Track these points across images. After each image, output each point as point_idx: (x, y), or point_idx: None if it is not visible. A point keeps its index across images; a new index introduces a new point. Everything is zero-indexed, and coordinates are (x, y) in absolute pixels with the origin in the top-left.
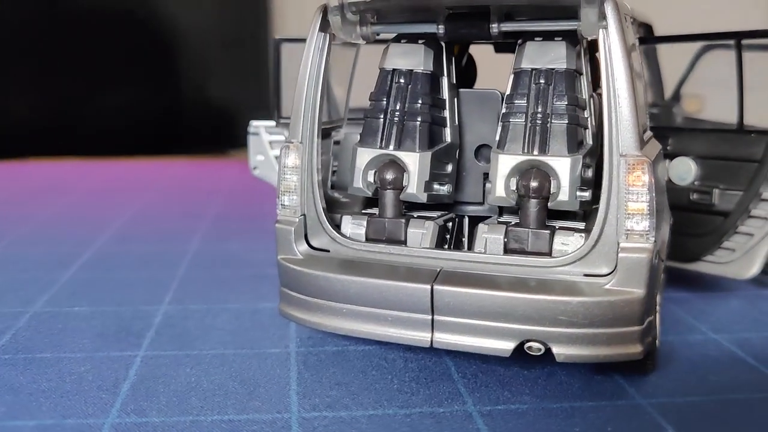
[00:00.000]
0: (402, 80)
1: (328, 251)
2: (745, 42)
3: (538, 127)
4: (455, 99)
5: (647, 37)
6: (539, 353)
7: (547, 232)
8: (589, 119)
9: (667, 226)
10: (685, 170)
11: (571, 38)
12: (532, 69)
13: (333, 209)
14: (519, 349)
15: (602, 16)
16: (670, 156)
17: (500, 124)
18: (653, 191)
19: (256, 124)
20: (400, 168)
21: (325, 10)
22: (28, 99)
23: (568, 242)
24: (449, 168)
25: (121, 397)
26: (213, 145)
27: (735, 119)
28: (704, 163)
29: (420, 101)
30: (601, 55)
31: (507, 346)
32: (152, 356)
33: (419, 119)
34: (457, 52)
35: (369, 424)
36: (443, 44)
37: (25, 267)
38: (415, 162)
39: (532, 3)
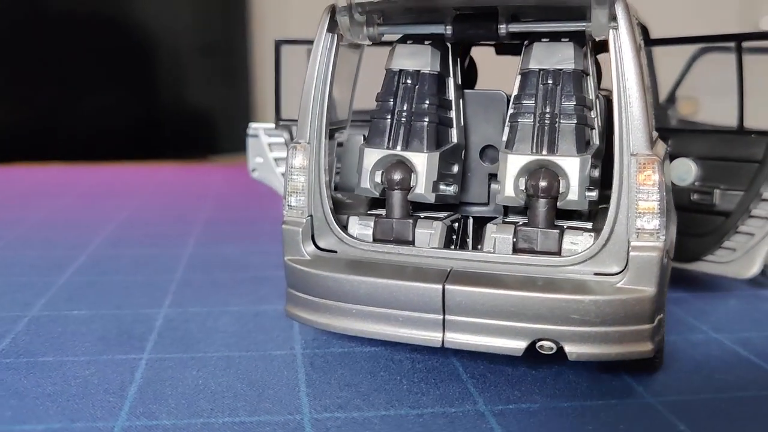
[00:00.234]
0: (409, 81)
1: (336, 252)
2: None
3: (546, 127)
4: (461, 100)
5: (647, 39)
6: (551, 352)
7: (557, 231)
8: (596, 119)
9: (674, 226)
10: (685, 171)
11: (578, 39)
12: (540, 69)
13: (336, 210)
14: (528, 348)
15: (612, 17)
16: (669, 157)
17: (508, 124)
18: (663, 190)
19: (255, 126)
20: (407, 168)
21: (333, 11)
22: (7, 105)
23: (577, 241)
24: (455, 168)
25: (129, 400)
26: (192, 150)
27: (728, 122)
28: (704, 163)
29: (427, 101)
30: (612, 55)
31: (519, 345)
32: (157, 359)
33: (427, 119)
34: (459, 54)
35: (382, 425)
36: (449, 45)
37: (20, 270)
38: (423, 162)
39: (541, 4)
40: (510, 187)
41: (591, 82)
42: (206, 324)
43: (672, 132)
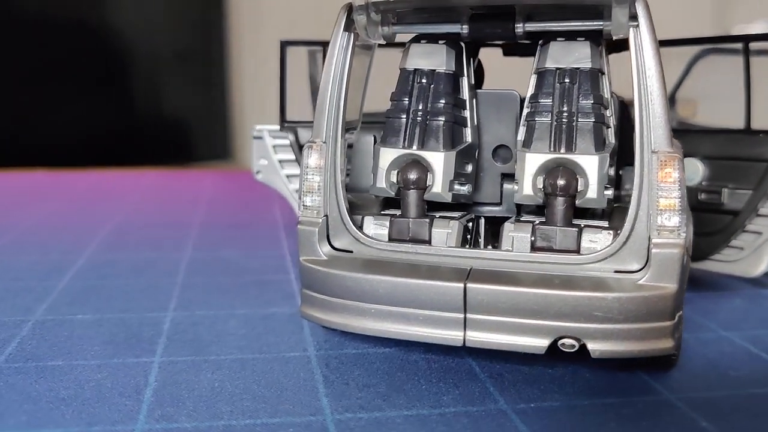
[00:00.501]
0: (424, 80)
1: (351, 252)
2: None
3: (564, 126)
4: (474, 99)
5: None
6: (572, 350)
7: (575, 229)
8: (611, 118)
9: (691, 224)
10: (692, 171)
11: (593, 38)
12: (557, 68)
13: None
14: (549, 346)
15: (632, 16)
16: None
17: (524, 123)
18: (684, 187)
19: (259, 128)
20: (423, 168)
21: (349, 9)
22: None
23: (596, 240)
24: (469, 168)
25: (146, 403)
26: (168, 157)
27: (728, 125)
28: (712, 163)
29: (443, 101)
30: (632, 53)
31: (542, 343)
32: (169, 362)
33: (443, 119)
34: (472, 53)
35: (405, 424)
36: (463, 45)
37: (17, 275)
38: (440, 161)
39: (559, 2)
40: (528, 185)
41: (606, 81)
42: (215, 327)
43: (678, 133)
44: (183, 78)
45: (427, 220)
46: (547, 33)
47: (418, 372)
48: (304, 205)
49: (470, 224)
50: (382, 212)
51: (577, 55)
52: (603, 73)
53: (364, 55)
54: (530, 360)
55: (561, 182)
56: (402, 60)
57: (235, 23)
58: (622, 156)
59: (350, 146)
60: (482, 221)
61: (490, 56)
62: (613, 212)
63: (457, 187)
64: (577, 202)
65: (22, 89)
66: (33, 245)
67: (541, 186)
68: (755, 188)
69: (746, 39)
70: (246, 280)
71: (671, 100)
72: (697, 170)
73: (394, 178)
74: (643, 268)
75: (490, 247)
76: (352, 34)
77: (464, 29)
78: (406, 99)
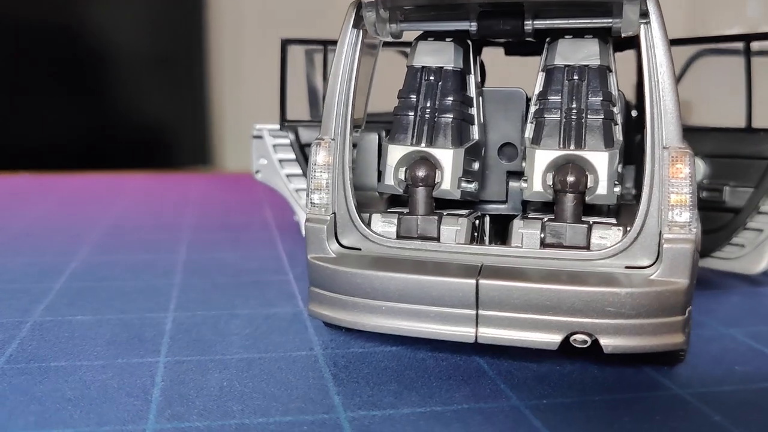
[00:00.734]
0: (432, 77)
1: (359, 249)
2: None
3: (573, 123)
4: (480, 97)
5: None
6: (584, 346)
7: (585, 226)
8: (618, 115)
9: (699, 220)
10: None
11: (601, 35)
12: (566, 66)
13: None
14: (561, 342)
15: (642, 13)
16: None
17: (533, 120)
18: (695, 183)
19: (259, 127)
20: (431, 165)
21: (358, 6)
22: None
23: (606, 236)
24: (476, 165)
25: (155, 403)
26: (147, 161)
27: (725, 125)
28: (713, 161)
29: (451, 98)
30: (643, 50)
31: (554, 339)
32: (175, 362)
33: (451, 116)
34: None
35: (420, 421)
36: (470, 42)
37: (12, 277)
38: (449, 158)
39: (569, 0)
40: (538, 182)
41: (614, 79)
42: (218, 327)
43: None
44: (162, 81)
45: (436, 217)
46: (556, 30)
47: (427, 370)
48: (312, 203)
49: (477, 222)
50: (389, 210)
51: (585, 52)
52: (611, 71)
53: (369, 55)
54: (538, 357)
55: (571, 179)
56: (409, 57)
57: (215, 27)
58: (629, 152)
59: (354, 145)
60: (487, 219)
61: (488, 56)
62: (621, 208)
63: (464, 184)
64: (586, 198)
65: (2, 93)
66: (25, 248)
67: (550, 183)
68: (756, 186)
69: (747, 38)
70: (245, 281)
71: None
72: (698, 168)
73: (402, 176)
74: (653, 263)
75: (506, 242)
76: (361, 31)
77: (473, 26)
78: (414, 96)
